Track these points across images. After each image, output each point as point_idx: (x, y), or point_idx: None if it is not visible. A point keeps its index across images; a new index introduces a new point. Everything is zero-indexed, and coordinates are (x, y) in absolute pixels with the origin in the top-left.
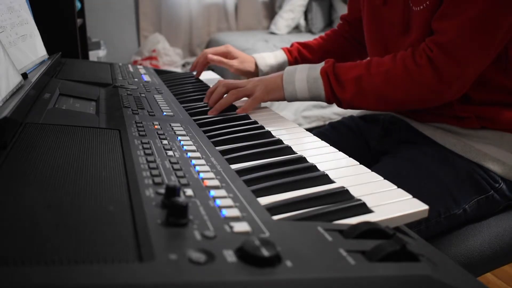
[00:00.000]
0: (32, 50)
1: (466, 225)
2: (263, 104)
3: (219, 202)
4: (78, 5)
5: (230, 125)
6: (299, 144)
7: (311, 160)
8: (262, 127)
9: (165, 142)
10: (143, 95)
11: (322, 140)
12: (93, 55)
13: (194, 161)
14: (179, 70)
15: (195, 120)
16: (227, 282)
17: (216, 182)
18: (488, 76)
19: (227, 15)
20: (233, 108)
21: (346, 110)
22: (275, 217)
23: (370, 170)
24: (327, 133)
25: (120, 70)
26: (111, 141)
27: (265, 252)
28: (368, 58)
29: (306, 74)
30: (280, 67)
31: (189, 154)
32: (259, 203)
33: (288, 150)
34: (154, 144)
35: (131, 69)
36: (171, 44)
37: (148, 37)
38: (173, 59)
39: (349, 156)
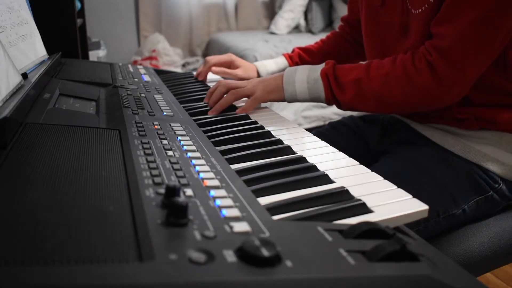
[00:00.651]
0: (32, 50)
1: (466, 225)
2: (263, 104)
3: (219, 202)
4: (78, 5)
5: (230, 125)
6: (299, 144)
7: (311, 160)
8: (262, 127)
9: (165, 142)
10: (143, 95)
11: (322, 140)
12: (93, 55)
13: (194, 161)
14: (179, 70)
15: (195, 120)
16: (227, 282)
17: (216, 182)
18: (487, 78)
19: (227, 15)
20: (233, 108)
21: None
22: (275, 217)
23: (370, 170)
24: (327, 133)
25: (120, 70)
26: (111, 141)
27: (265, 252)
28: (368, 61)
29: (307, 75)
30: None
31: (189, 154)
32: (259, 203)
33: (288, 150)
34: (154, 144)
35: (131, 69)
36: (171, 44)
37: (148, 37)
38: (173, 59)
39: (349, 156)
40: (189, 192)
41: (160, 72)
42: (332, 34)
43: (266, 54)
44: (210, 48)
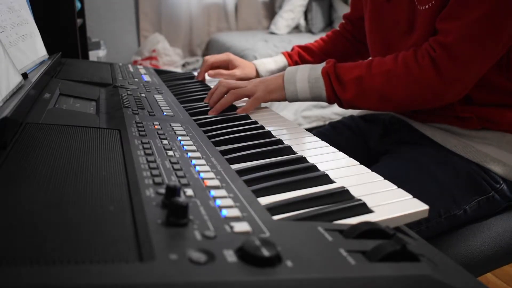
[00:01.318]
0: (32, 50)
1: (467, 226)
2: (263, 104)
3: (219, 202)
4: (78, 5)
5: (231, 125)
6: (299, 144)
7: (311, 160)
8: (262, 127)
9: (165, 142)
10: (143, 95)
11: (322, 140)
12: (93, 55)
13: (194, 161)
14: (179, 70)
15: (195, 120)
16: (227, 282)
17: (216, 182)
18: (490, 78)
19: (227, 15)
20: (233, 108)
21: (347, 110)
22: (275, 217)
23: (370, 170)
24: (327, 133)
25: (120, 70)
26: (111, 141)
27: (265, 252)
28: (370, 58)
29: (307, 74)
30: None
31: (189, 154)
32: (259, 203)
33: (288, 150)
34: (154, 144)
35: (131, 69)
36: (171, 44)
37: (148, 37)
38: (173, 59)
39: (349, 156)
40: (189, 192)
41: (160, 72)
42: (333, 33)
43: (266, 54)
44: (210, 48)
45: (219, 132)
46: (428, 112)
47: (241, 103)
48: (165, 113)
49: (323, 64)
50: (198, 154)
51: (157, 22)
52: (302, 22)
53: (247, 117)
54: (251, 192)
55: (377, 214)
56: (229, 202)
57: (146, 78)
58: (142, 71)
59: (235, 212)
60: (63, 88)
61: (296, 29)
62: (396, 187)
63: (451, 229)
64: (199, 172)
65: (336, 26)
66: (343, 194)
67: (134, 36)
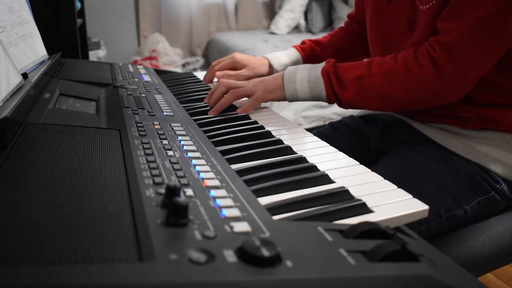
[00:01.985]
0: (32, 50)
1: (467, 226)
2: (263, 104)
3: (219, 202)
4: (78, 5)
5: (230, 125)
6: (299, 144)
7: (311, 160)
8: (262, 127)
9: (165, 142)
10: (143, 95)
11: (322, 140)
12: (93, 55)
13: (194, 161)
14: (179, 70)
15: (195, 120)
16: (227, 282)
17: (216, 182)
18: (490, 78)
19: (227, 15)
20: (233, 108)
21: (347, 110)
22: (275, 217)
23: (370, 170)
24: (327, 133)
25: (120, 70)
26: (111, 141)
27: (265, 252)
28: (370, 58)
29: (307, 74)
30: (294, 65)
31: (189, 154)
32: (259, 203)
33: (288, 150)
34: (154, 144)
35: (131, 69)
36: (171, 44)
37: (148, 37)
38: (173, 59)
39: (349, 156)
40: (189, 192)
41: (160, 72)
42: (340, 29)
43: (266, 54)
44: (210, 48)
45: (219, 132)
46: (428, 112)
47: (241, 103)
48: (165, 113)
49: (323, 63)
50: (198, 154)
51: (157, 22)
52: (302, 22)
53: (247, 117)
54: (251, 192)
55: (377, 214)
56: (229, 202)
57: (146, 78)
58: (142, 71)
59: (235, 212)
60: (63, 88)
61: (296, 29)
62: (396, 187)
63: (451, 229)
64: (199, 172)
65: (336, 26)
66: (343, 194)
67: (134, 36)
